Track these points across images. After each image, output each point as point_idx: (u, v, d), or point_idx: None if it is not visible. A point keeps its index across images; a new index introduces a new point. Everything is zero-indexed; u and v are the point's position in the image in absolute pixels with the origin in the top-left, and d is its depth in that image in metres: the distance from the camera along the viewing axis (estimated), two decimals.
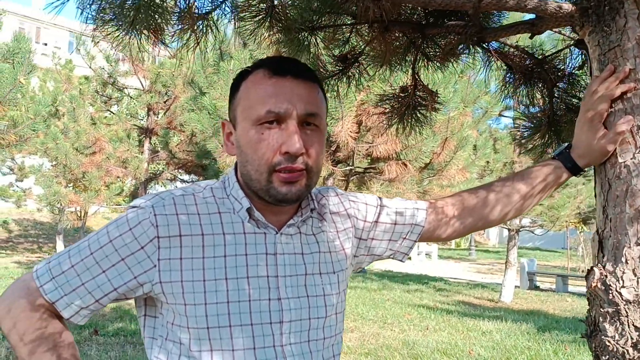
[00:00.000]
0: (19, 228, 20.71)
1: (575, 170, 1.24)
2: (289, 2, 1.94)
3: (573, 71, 1.92)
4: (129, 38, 1.55)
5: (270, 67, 1.10)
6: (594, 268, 1.13)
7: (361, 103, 5.73)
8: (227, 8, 1.45)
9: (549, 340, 7.19)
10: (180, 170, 11.65)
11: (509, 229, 11.64)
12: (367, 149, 6.22)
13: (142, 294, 1.09)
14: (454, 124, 6.48)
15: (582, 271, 16.37)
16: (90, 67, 11.32)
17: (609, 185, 1.15)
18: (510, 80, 2.08)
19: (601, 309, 1.10)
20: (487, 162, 10.22)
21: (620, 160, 1.13)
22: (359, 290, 11.68)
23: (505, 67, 2.07)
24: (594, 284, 1.11)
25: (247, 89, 1.11)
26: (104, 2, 1.47)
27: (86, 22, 1.49)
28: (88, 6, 1.50)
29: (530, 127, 2.13)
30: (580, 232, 18.68)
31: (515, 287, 12.40)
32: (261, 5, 1.61)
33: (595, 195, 1.22)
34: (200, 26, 1.47)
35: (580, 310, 10.21)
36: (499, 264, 20.44)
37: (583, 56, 1.77)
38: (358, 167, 6.76)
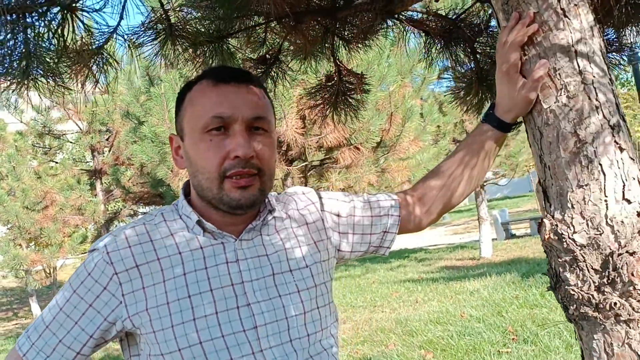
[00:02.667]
0: None
1: (504, 127, 1.21)
2: (192, 16, 1.87)
3: (488, 24, 1.91)
4: (27, 87, 1.46)
5: (213, 75, 1.10)
6: (544, 220, 1.10)
7: (300, 97, 5.68)
8: (120, 37, 1.37)
9: (534, 284, 7.32)
10: (138, 204, 11.39)
11: None
12: (317, 142, 6.18)
13: (116, 333, 1.08)
14: (396, 98, 6.48)
15: None
16: (21, 122, 10.95)
17: (540, 133, 1.12)
18: (432, 46, 2.06)
19: (559, 259, 1.07)
20: (438, 126, 10.31)
21: (545, 106, 1.10)
22: (344, 280, 11.68)
23: (423, 35, 2.05)
24: (547, 236, 1.09)
25: (191, 99, 1.10)
26: None
27: None
28: None
29: (462, 87, 2.12)
30: None
31: (493, 240, 12.59)
32: (158, 25, 1.54)
33: (530, 146, 1.20)
34: (98, 61, 1.39)
35: None
36: (474, 221, 20.76)
37: (489, 12, 1.75)
38: (313, 160, 6.72)
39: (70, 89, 1.42)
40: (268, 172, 1.09)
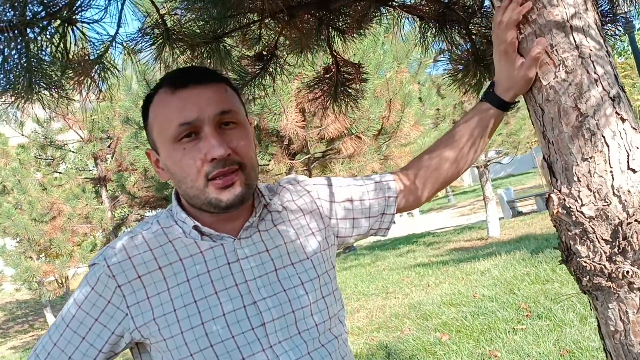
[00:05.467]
0: (4, 313, 20.14)
1: (504, 106, 1.22)
2: (187, 18, 1.88)
3: (482, 3, 1.91)
4: (31, 102, 1.48)
5: (169, 83, 1.07)
6: (551, 195, 1.12)
7: (299, 91, 5.69)
8: (119, 45, 1.38)
9: (544, 260, 7.33)
10: (145, 208, 11.45)
11: (477, 167, 11.78)
12: (318, 134, 6.19)
13: (125, 345, 1.08)
14: (393, 84, 6.48)
15: None
16: (23, 135, 11.00)
17: (542, 110, 1.13)
18: (425, 30, 2.06)
19: (569, 233, 1.09)
20: (437, 109, 10.30)
21: (544, 82, 1.11)
22: (354, 269, 11.71)
23: (417, 19, 2.05)
24: (555, 211, 1.10)
25: (154, 111, 1.09)
26: None
27: None
28: None
29: (460, 70, 2.13)
30: None
31: (500, 219, 12.61)
32: (155, 30, 1.55)
33: (532, 124, 1.21)
34: (98, 71, 1.40)
35: None
36: (479, 202, 20.77)
37: None
38: (316, 153, 6.74)
39: (74, 100, 1.43)
40: (249, 163, 1.08)
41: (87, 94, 1.28)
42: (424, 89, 8.29)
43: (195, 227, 1.10)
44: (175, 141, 1.04)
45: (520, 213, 14.48)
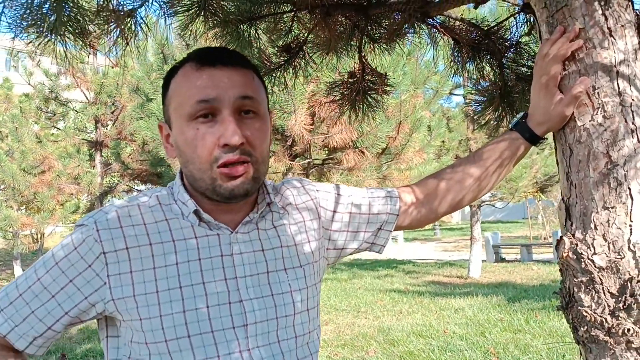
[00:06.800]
0: None
1: (533, 139, 1.20)
2: None
3: (520, 39, 1.90)
4: (54, 44, 1.44)
5: (197, 58, 1.03)
6: (564, 237, 1.09)
7: (312, 94, 5.66)
8: (155, 3, 1.35)
9: (520, 309, 7.31)
10: (135, 181, 11.35)
11: (470, 205, 11.79)
12: (323, 140, 6.16)
13: (96, 314, 1.03)
14: (406, 107, 6.47)
15: (545, 239, 16.79)
16: (29, 84, 10.89)
17: (570, 151, 1.11)
18: (458, 55, 2.04)
19: (575, 279, 1.06)
20: (443, 141, 10.32)
21: (579, 123, 1.09)
22: (330, 282, 11.66)
23: (452, 43, 2.03)
24: (565, 254, 1.07)
25: (176, 85, 1.05)
26: (19, 7, 1.36)
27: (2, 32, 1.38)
28: (3, 13, 1.39)
29: (483, 102, 2.11)
30: (538, 201, 19.14)
31: (482, 261, 12.60)
32: None
33: (557, 163, 1.18)
34: (129, 24, 1.37)
35: (546, 277, 10.45)
36: (464, 241, 20.77)
37: (531, 21, 1.74)
38: (316, 159, 6.71)
39: (97, 50, 1.39)
40: (260, 158, 1.04)
41: (115, 42, 1.25)
42: (435, 118, 8.30)
43: (196, 212, 1.05)
44: (190, 119, 1.00)
45: (503, 259, 14.49)
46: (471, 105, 2.18)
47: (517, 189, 10.98)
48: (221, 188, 1.00)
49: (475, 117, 2.13)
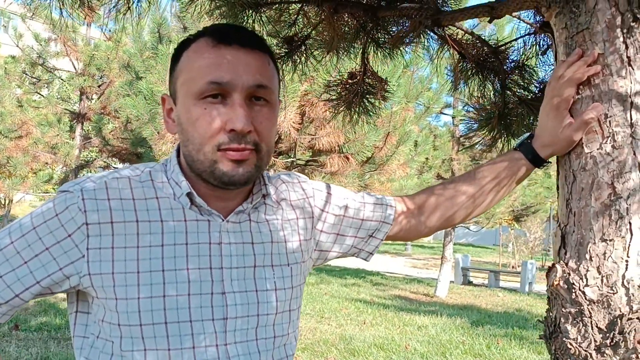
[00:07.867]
0: None
1: (537, 161, 1.16)
2: None
3: (527, 62, 1.87)
4: (60, 17, 1.37)
5: (214, 34, 0.97)
6: (556, 265, 1.06)
7: (305, 93, 5.61)
8: None
9: (482, 334, 7.33)
10: (114, 159, 11.17)
11: None
12: (309, 141, 6.11)
13: (68, 288, 0.96)
14: (396, 119, 6.46)
15: (513, 267, 16.92)
16: (17, 46, 10.65)
17: (574, 177, 1.08)
18: (464, 69, 2.01)
19: (563, 309, 1.03)
20: (427, 158, 10.33)
21: (586, 150, 1.05)
22: None
23: (458, 56, 2.00)
24: (555, 282, 1.04)
25: (188, 59, 0.98)
26: None
27: None
28: None
29: (479, 120, 2.08)
30: (511, 230, 19.33)
31: (450, 282, 12.64)
32: None
33: (557, 188, 1.15)
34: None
35: (511, 305, 10.51)
36: (434, 259, 20.86)
37: (540, 44, 1.71)
38: (300, 159, 6.65)
39: (97, 13, 1.33)
40: (266, 148, 0.99)
41: (117, 4, 1.18)
42: (422, 134, 8.31)
43: (189, 194, 0.99)
44: (198, 97, 0.94)
45: (470, 282, 14.56)
46: (466, 123, 2.15)
47: (493, 215, 11.04)
48: (221, 172, 0.95)
49: (463, 139, 2.11)
